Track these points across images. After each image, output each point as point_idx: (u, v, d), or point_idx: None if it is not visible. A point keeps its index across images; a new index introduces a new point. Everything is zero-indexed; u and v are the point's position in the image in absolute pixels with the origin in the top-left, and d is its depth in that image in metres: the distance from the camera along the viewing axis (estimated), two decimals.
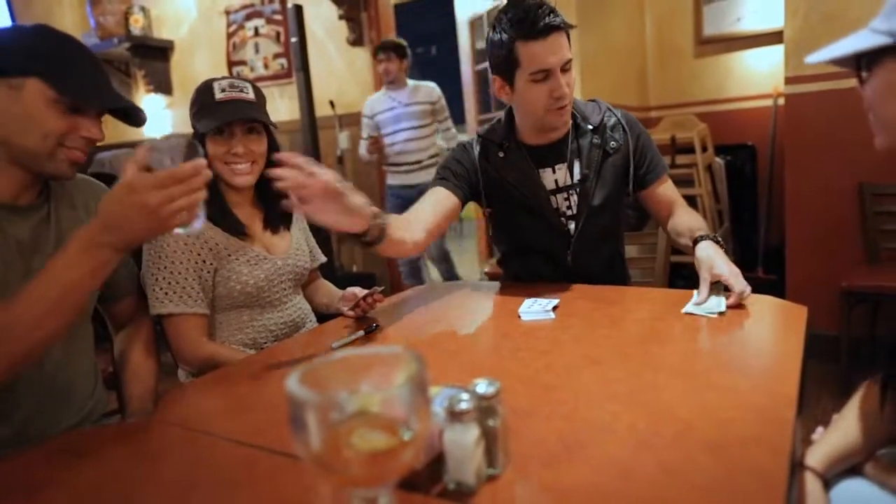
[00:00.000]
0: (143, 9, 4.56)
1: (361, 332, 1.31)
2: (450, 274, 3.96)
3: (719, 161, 3.79)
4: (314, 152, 3.72)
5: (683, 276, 3.82)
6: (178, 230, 0.95)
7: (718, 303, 1.25)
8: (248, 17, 4.34)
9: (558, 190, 1.58)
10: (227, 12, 4.42)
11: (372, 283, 4.22)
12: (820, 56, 0.87)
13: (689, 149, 3.59)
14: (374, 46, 3.77)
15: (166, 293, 1.31)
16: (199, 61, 4.60)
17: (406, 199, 3.21)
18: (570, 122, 1.57)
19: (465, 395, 0.68)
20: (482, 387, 0.70)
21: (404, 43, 3.65)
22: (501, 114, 1.64)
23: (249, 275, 1.39)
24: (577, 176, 1.57)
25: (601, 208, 1.58)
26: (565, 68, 1.44)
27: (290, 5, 3.65)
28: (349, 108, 4.10)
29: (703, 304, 1.26)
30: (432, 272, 4.21)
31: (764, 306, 1.30)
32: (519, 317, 1.32)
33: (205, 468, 0.84)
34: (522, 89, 1.47)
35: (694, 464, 0.70)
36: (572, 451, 0.75)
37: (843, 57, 0.85)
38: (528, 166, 1.56)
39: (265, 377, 1.11)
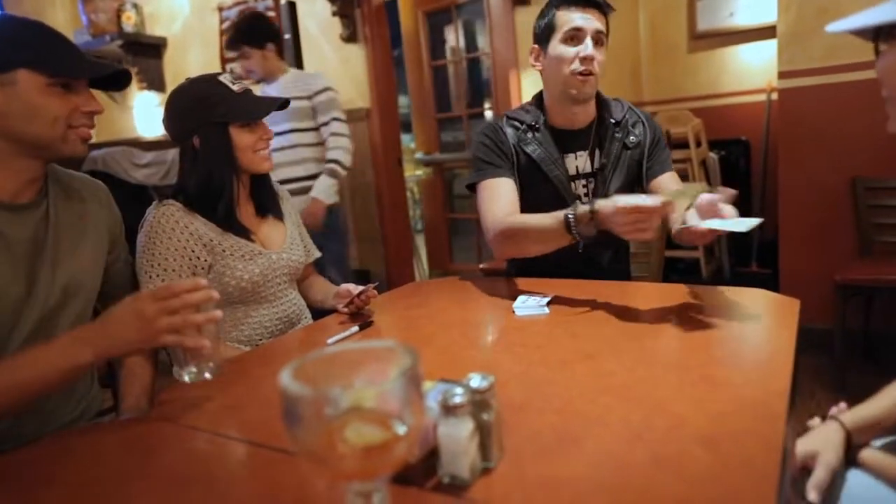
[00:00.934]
0: (135, 5, 4.53)
1: (356, 328, 1.31)
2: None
3: (713, 156, 3.80)
4: None
5: (678, 270, 3.85)
6: (185, 377, 0.98)
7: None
8: (242, 14, 4.32)
9: (577, 176, 1.64)
10: (220, 9, 4.39)
11: (367, 280, 4.21)
12: (840, 25, 0.87)
13: (683, 144, 3.60)
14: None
15: None
16: (192, 58, 4.58)
17: None
18: (595, 113, 1.64)
19: (458, 390, 0.68)
20: (476, 381, 0.70)
21: (262, 21, 2.88)
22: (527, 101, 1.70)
23: (244, 270, 1.39)
24: (596, 164, 1.63)
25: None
26: (597, 40, 1.51)
27: (283, 2, 3.64)
28: (344, 105, 4.08)
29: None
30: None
31: (756, 299, 1.31)
32: (513, 312, 1.33)
33: (200, 464, 0.84)
34: (553, 52, 1.54)
35: (687, 456, 0.70)
36: (566, 444, 0.76)
37: (863, 28, 0.86)
38: (554, 149, 1.61)
39: (260, 374, 1.11)
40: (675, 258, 3.71)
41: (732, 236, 1.60)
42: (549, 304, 1.34)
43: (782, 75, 2.76)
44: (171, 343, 0.93)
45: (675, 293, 1.41)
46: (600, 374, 0.97)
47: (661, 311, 1.26)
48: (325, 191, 2.72)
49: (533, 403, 0.88)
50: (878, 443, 0.99)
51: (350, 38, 3.99)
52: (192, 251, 1.34)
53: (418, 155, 4.60)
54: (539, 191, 1.61)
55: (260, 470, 0.79)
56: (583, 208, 1.27)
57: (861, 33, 0.91)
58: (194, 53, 4.58)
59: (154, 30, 4.66)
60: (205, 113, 1.36)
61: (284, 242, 1.51)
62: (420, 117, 4.49)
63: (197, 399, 0.99)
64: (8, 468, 0.86)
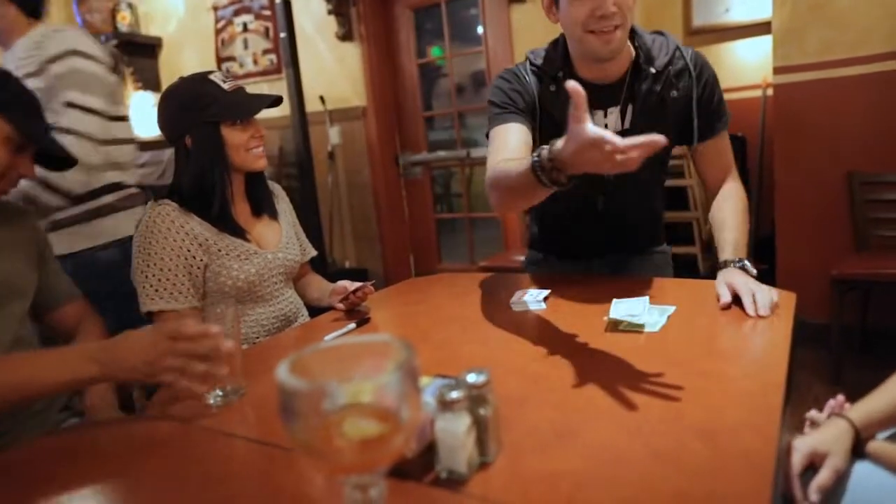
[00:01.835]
0: (130, 5, 4.52)
1: (353, 325, 1.31)
2: None
3: None
4: (305, 148, 3.71)
5: (676, 264, 3.85)
6: (210, 401, 0.97)
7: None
8: (237, 13, 4.31)
9: None
10: (216, 8, 4.39)
11: (364, 279, 4.21)
12: None
13: None
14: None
15: (156, 290, 1.31)
16: (187, 58, 4.57)
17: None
18: (631, 59, 1.38)
19: (455, 385, 0.68)
20: (472, 376, 0.70)
21: None
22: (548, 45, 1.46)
23: (240, 270, 1.39)
24: (627, 123, 1.41)
25: (650, 160, 1.50)
26: None
27: (278, 0, 3.63)
28: (339, 103, 4.09)
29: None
30: None
31: None
32: (511, 307, 1.33)
33: (198, 461, 0.84)
34: (564, 8, 1.29)
35: (684, 449, 0.71)
36: (564, 438, 0.76)
37: None
38: None
39: (257, 371, 1.11)
40: (673, 254, 3.71)
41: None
42: (546, 298, 1.34)
43: (777, 71, 2.76)
44: (167, 382, 0.92)
45: (673, 287, 1.41)
46: (597, 369, 0.97)
47: (659, 304, 1.26)
48: None
49: (531, 398, 0.88)
50: (882, 435, 0.99)
51: (346, 36, 3.99)
52: (188, 251, 1.34)
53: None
54: None
55: (259, 466, 0.79)
56: (543, 151, 1.02)
57: None
58: (189, 53, 4.57)
59: (149, 30, 4.65)
60: (196, 112, 1.36)
61: (280, 241, 1.51)
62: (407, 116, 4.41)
63: (194, 397, 0.99)
64: (6, 468, 0.86)
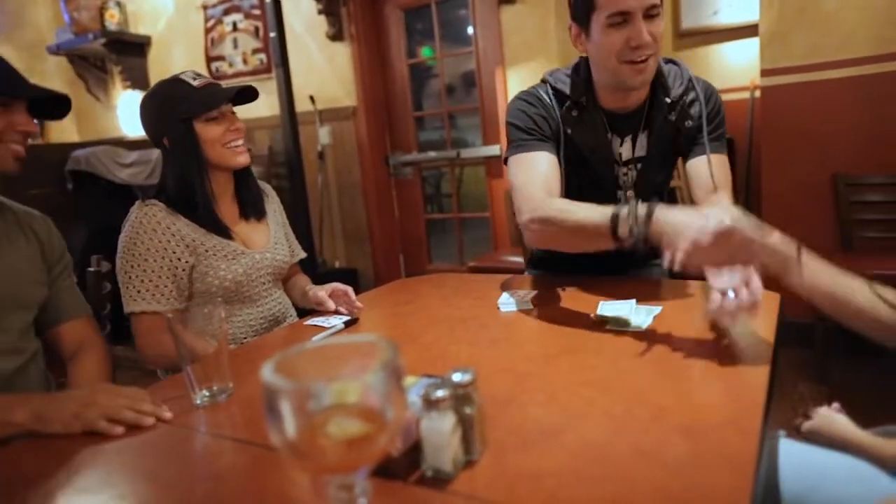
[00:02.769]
0: (118, 3, 4.49)
1: (342, 325, 1.31)
2: None
3: None
4: (295, 148, 3.70)
5: (659, 264, 3.86)
6: (197, 401, 0.98)
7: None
8: (227, 12, 4.30)
9: (622, 163, 1.46)
10: (205, 7, 4.37)
11: (354, 279, 4.21)
12: None
13: None
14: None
15: (139, 291, 1.31)
16: (176, 57, 4.55)
17: None
18: (650, 88, 1.39)
19: (440, 384, 0.69)
20: (458, 375, 0.70)
21: None
22: (569, 68, 1.47)
23: (227, 270, 1.38)
24: (641, 151, 1.44)
25: (656, 186, 1.52)
26: (650, 14, 1.25)
27: (268, 0, 3.62)
28: (330, 103, 4.08)
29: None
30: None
31: None
32: (498, 308, 1.34)
33: (185, 461, 0.84)
34: (597, 36, 1.30)
35: (668, 446, 0.72)
36: (548, 436, 0.76)
37: None
38: (602, 132, 1.41)
39: (244, 371, 1.11)
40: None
41: None
42: (532, 299, 1.35)
43: (765, 73, 2.78)
44: (100, 429, 0.91)
45: (657, 287, 1.42)
46: (583, 368, 0.98)
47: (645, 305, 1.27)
48: None
49: (516, 397, 0.89)
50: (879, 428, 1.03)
51: (336, 36, 3.99)
52: (174, 252, 1.34)
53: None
54: (576, 176, 1.42)
55: (246, 467, 0.79)
56: (637, 209, 1.03)
57: None
58: (179, 52, 4.55)
59: (138, 28, 4.62)
60: (169, 112, 1.37)
61: (269, 242, 1.51)
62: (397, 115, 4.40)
63: (182, 397, 0.99)
64: (3, 467, 0.86)
